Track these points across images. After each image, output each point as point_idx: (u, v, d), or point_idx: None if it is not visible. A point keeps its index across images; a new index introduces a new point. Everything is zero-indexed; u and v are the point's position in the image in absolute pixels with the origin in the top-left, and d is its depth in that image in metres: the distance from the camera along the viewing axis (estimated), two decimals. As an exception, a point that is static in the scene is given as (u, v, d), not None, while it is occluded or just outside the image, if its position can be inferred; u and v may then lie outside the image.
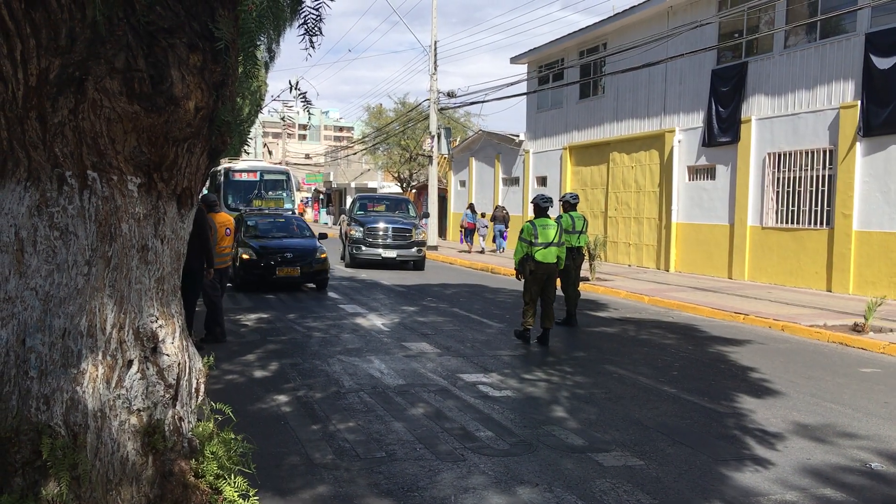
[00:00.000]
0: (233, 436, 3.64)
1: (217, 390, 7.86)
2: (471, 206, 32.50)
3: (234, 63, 3.42)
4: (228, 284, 12.44)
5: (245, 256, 15.78)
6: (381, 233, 22.21)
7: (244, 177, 26.17)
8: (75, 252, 3.08)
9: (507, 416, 6.99)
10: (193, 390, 3.49)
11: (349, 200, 40.01)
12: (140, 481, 3.20)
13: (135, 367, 3.19)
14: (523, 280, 10.81)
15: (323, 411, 7.08)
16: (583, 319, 12.97)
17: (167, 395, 3.29)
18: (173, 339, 3.32)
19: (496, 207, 31.17)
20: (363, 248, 21.93)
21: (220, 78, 3.26)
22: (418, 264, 22.55)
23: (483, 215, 32.39)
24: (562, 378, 8.65)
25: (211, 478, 3.38)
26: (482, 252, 30.02)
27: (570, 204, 12.65)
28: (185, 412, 3.41)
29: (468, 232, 31.72)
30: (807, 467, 5.79)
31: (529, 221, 10.70)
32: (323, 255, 16.25)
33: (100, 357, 3.09)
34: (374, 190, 51.73)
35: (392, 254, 21.92)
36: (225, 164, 29.61)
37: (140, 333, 3.19)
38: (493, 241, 30.62)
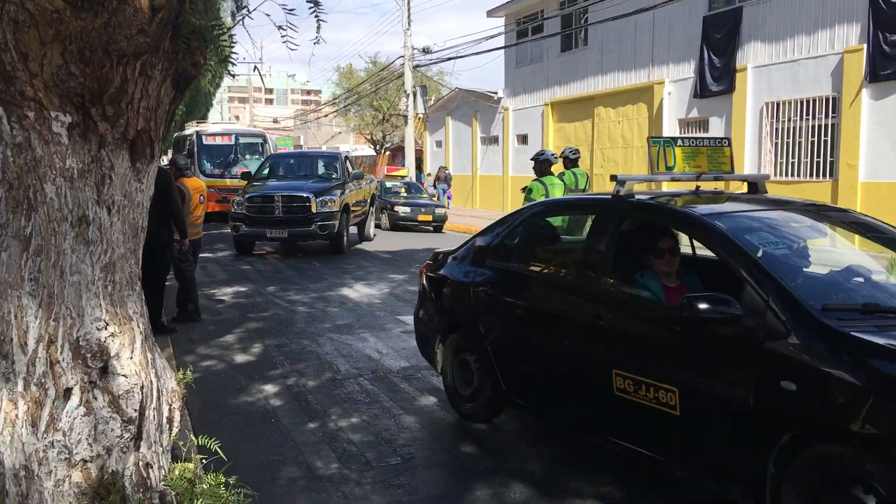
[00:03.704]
0: (223, 480, 2.62)
1: (193, 380, 6.82)
2: (419, 167, 35.57)
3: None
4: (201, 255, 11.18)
5: None
6: (265, 205, 15.32)
7: (218, 140, 24.59)
8: (-25, 230, 2.03)
9: (534, 404, 6.05)
10: (165, 421, 2.47)
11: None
12: (91, 562, 2.19)
13: (75, 399, 2.16)
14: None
15: (319, 404, 6.09)
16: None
17: (126, 435, 2.27)
18: (132, 351, 2.29)
19: (439, 168, 32.56)
20: (244, 227, 15.29)
21: (187, -34, 2.21)
22: (332, 245, 15.97)
23: (429, 175, 34.56)
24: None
25: (195, 545, 2.38)
26: None
27: (570, 160, 11.62)
28: (153, 455, 2.39)
29: None
30: None
31: (537, 180, 9.70)
32: None
33: (20, 387, 2.06)
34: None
35: (282, 232, 15.23)
36: (193, 127, 28.12)
37: (82, 348, 2.16)
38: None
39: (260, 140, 25.86)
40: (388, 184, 24.93)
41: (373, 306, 10.36)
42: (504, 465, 4.79)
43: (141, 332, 2.34)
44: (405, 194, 23.99)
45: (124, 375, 2.27)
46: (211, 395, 6.37)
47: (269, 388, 6.54)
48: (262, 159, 23.00)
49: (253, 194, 15.56)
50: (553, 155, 9.91)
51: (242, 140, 25.20)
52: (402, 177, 27.61)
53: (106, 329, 2.23)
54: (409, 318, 9.40)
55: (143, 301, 2.38)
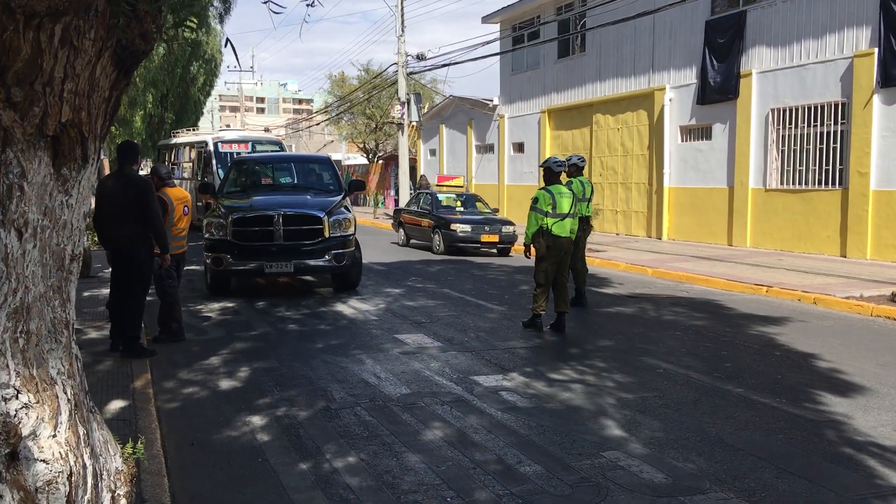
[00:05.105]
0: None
1: (172, 410, 6.20)
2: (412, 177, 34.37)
3: None
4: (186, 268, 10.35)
5: None
6: (260, 229, 11.43)
7: (234, 148, 23.10)
8: None
9: (551, 439, 5.42)
10: (105, 514, 1.83)
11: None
12: None
13: (-32, 500, 1.53)
14: (535, 258, 9.25)
15: (312, 439, 5.46)
16: (590, 297, 11.45)
17: (46, 542, 1.64)
18: (55, 427, 1.66)
19: (420, 176, 31.79)
20: (229, 258, 11.39)
21: None
22: (344, 279, 12.29)
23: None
24: (598, 378, 7.11)
25: None
26: None
27: (578, 168, 11.09)
28: (87, 565, 1.75)
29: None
30: (973, 506, 4.31)
31: (544, 189, 9.09)
32: None
33: None
34: (338, 162, 49.35)
35: (286, 266, 11.40)
36: (185, 136, 27.33)
37: (-22, 428, 1.53)
38: None
39: (276, 147, 23.94)
40: (441, 196, 20.43)
41: (368, 323, 9.73)
42: (524, 517, 4.18)
43: (69, 400, 1.72)
44: (461, 209, 19.65)
45: (44, 461, 1.66)
46: (191, 428, 5.74)
47: (257, 420, 5.90)
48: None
49: (240, 214, 11.48)
50: (556, 164, 9.29)
51: (259, 148, 23.24)
52: (458, 187, 22.69)
53: (17, 399, 1.61)
54: (409, 338, 8.80)
55: (75, 356, 1.77)
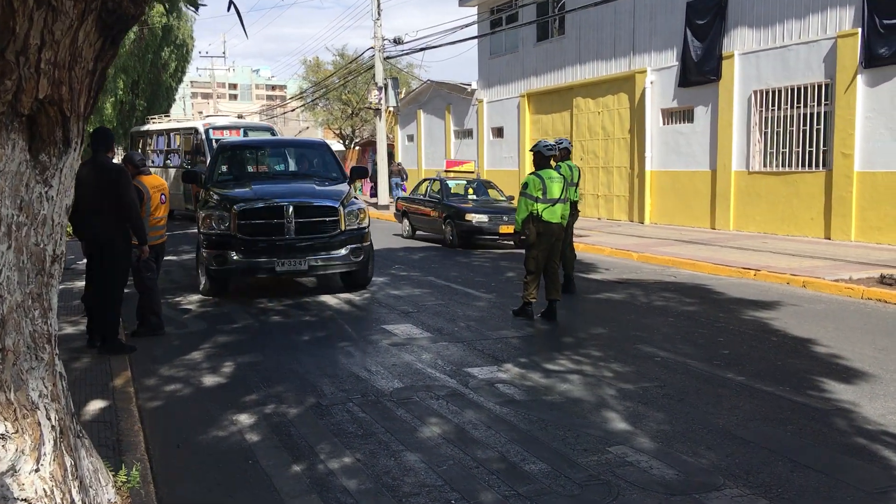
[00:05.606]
0: None
1: (154, 410, 5.93)
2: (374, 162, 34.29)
3: None
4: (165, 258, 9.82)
5: None
6: (270, 222, 10.30)
7: (226, 135, 22.27)
8: None
9: (554, 434, 5.22)
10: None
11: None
12: None
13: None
14: (526, 244, 9.02)
15: (304, 438, 5.21)
16: (578, 283, 11.27)
17: None
18: (38, 460, 1.40)
19: (396, 163, 32.02)
20: (234, 255, 10.19)
21: None
22: (356, 277, 11.04)
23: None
24: (595, 367, 6.91)
25: None
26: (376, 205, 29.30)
27: (567, 151, 10.89)
28: None
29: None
30: None
31: (534, 174, 8.86)
32: None
33: None
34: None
35: (299, 264, 10.24)
36: (157, 121, 26.78)
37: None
38: (391, 193, 29.61)
39: (269, 134, 23.20)
40: (451, 183, 18.47)
41: (354, 314, 9.48)
42: (534, 519, 3.97)
43: (53, 426, 1.47)
44: (473, 196, 17.98)
45: (25, 500, 1.40)
46: (175, 429, 5.47)
47: (244, 419, 5.64)
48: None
49: (245, 205, 10.25)
50: (547, 147, 9.05)
51: (251, 134, 22.18)
52: (469, 172, 20.94)
53: (-9, 429, 1.36)
54: (397, 328, 8.56)
55: (59, 374, 1.51)
